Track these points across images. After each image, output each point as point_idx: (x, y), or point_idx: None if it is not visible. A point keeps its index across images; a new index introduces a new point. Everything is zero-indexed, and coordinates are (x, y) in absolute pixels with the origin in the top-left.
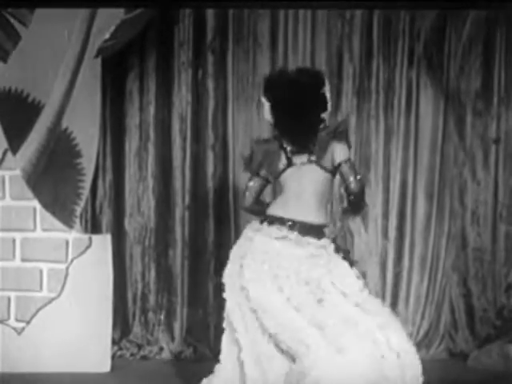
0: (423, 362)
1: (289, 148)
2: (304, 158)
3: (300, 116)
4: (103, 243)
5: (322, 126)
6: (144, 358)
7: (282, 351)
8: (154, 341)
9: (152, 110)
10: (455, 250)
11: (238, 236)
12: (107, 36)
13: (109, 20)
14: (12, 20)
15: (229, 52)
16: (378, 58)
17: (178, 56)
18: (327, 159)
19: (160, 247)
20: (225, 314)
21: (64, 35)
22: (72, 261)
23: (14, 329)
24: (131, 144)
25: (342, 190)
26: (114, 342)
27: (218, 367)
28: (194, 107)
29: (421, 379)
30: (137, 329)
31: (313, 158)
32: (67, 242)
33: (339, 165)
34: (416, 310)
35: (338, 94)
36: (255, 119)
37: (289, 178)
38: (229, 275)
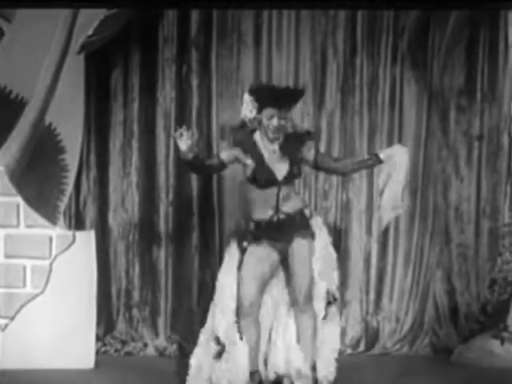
0: (407, 357)
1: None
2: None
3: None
4: (87, 239)
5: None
6: (128, 354)
7: None
8: (138, 337)
9: (136, 106)
10: (439, 245)
11: (222, 232)
12: (90, 32)
13: (92, 16)
14: None
15: (213, 49)
16: (361, 55)
17: (161, 52)
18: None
19: (144, 243)
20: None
21: (48, 31)
22: (56, 257)
23: None
24: (115, 140)
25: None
26: (98, 338)
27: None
28: (178, 104)
29: None
30: (121, 325)
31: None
32: (51, 239)
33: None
34: (400, 305)
35: (322, 89)
36: (239, 115)
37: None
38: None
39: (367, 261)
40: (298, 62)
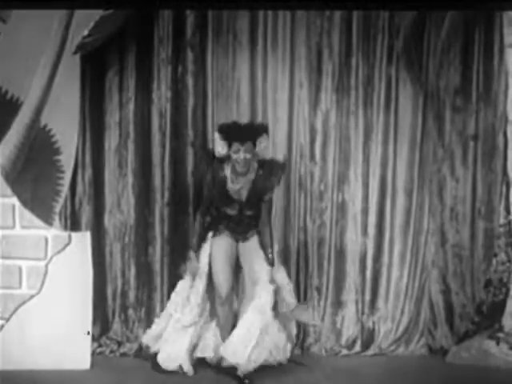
0: (403, 357)
1: None
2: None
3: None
4: (83, 240)
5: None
6: (124, 354)
7: None
8: (133, 338)
9: (131, 106)
10: (434, 246)
11: None
12: (86, 32)
13: (88, 16)
14: None
15: (208, 49)
16: (357, 55)
17: (157, 53)
18: None
19: (140, 244)
20: None
21: (43, 31)
22: (51, 258)
23: None
24: (111, 141)
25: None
26: (93, 339)
27: None
28: (174, 104)
29: None
30: (116, 326)
31: None
32: (46, 240)
33: None
34: (395, 306)
35: (317, 90)
36: (234, 116)
37: None
38: None
39: (363, 262)
40: (293, 62)
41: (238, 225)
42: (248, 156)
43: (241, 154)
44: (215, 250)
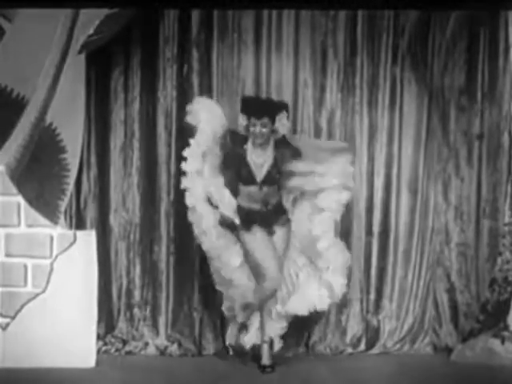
0: (408, 356)
1: None
2: None
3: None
4: (88, 239)
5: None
6: (129, 353)
7: None
8: (138, 336)
9: (137, 105)
10: (439, 245)
11: None
12: (91, 31)
13: (93, 15)
14: None
15: (213, 48)
16: (362, 54)
17: (162, 52)
18: None
19: (145, 243)
20: None
21: (49, 30)
22: (57, 256)
23: None
24: (116, 140)
25: None
26: (98, 338)
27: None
28: (179, 103)
29: None
30: (122, 324)
31: None
32: (52, 238)
33: None
34: (400, 304)
35: (322, 89)
36: (239, 114)
37: None
38: None
39: (368, 260)
40: (298, 61)
41: (263, 217)
42: (264, 130)
43: (257, 128)
44: (249, 244)
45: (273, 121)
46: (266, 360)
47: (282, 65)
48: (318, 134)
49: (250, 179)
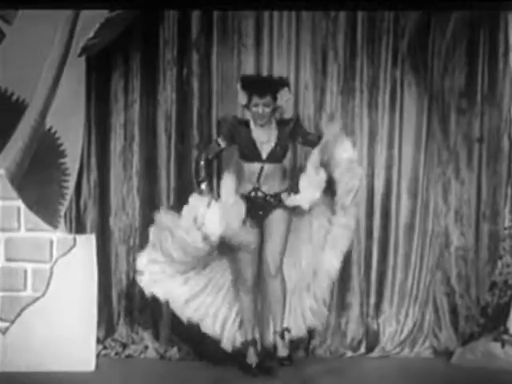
0: (408, 359)
1: None
2: None
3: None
4: (88, 243)
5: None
6: (129, 356)
7: None
8: (138, 340)
9: (137, 108)
10: (439, 248)
11: None
12: (91, 34)
13: (93, 18)
14: None
15: (213, 51)
16: (362, 57)
17: (162, 55)
18: None
19: (145, 247)
20: None
21: (48, 33)
22: (56, 260)
23: None
24: (116, 143)
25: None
26: (98, 341)
27: None
28: (179, 106)
29: None
30: (121, 328)
31: None
32: (51, 242)
33: None
34: (400, 308)
35: (322, 92)
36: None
37: None
38: None
39: (368, 263)
40: (298, 63)
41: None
42: (267, 110)
43: (259, 108)
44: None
45: (275, 98)
46: (281, 351)
47: (283, 67)
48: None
49: (254, 155)
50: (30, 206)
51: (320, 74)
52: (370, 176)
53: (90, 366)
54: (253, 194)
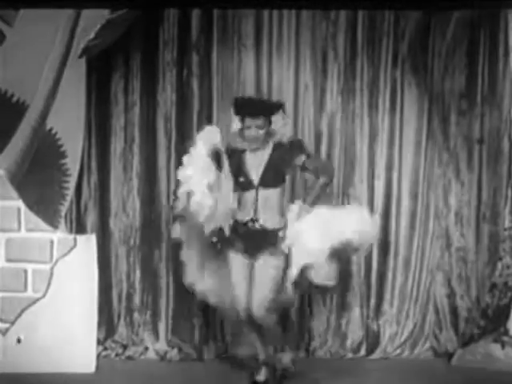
0: (408, 361)
1: None
2: None
3: None
4: (88, 243)
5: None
6: (129, 358)
7: None
8: (139, 341)
9: (137, 110)
10: (439, 249)
11: None
12: (92, 36)
13: (93, 20)
14: None
15: (213, 51)
16: (362, 58)
17: (162, 56)
18: None
19: (145, 247)
20: None
21: (49, 35)
22: (57, 261)
23: None
24: (116, 144)
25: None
26: (98, 342)
27: None
28: (179, 107)
29: None
30: (122, 329)
31: None
32: (52, 243)
33: None
34: (400, 309)
35: (322, 93)
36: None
37: None
38: None
39: (368, 265)
40: (298, 64)
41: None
42: (260, 132)
43: (252, 131)
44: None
45: (269, 121)
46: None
47: (283, 68)
48: (318, 137)
49: (246, 182)
50: (31, 206)
51: (320, 74)
52: (371, 177)
53: (91, 367)
54: (250, 224)
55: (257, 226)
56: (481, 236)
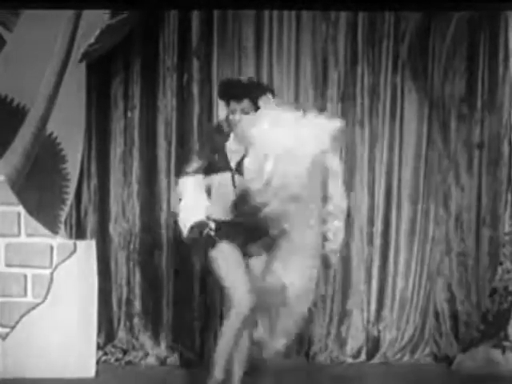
0: (408, 366)
1: None
2: None
3: None
4: (88, 248)
5: None
6: (129, 363)
7: None
8: (139, 346)
9: (137, 114)
10: (439, 255)
11: None
12: (92, 41)
13: (93, 25)
14: None
15: (213, 56)
16: (362, 63)
17: (162, 61)
18: None
19: (145, 252)
20: None
21: (49, 40)
22: (57, 266)
23: None
24: (116, 149)
25: None
26: (98, 347)
27: None
28: (179, 112)
29: None
30: (122, 334)
31: None
32: (52, 248)
33: None
34: (401, 314)
35: (322, 98)
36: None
37: None
38: None
39: (368, 270)
40: (298, 70)
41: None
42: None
43: (237, 115)
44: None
45: (255, 105)
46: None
47: (283, 73)
48: None
49: (223, 165)
50: (31, 211)
51: (320, 80)
52: (371, 183)
53: (90, 372)
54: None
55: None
56: (481, 241)
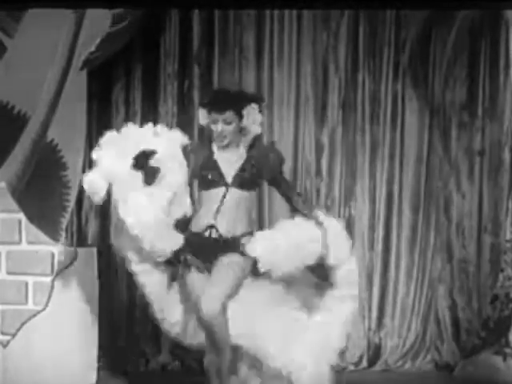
0: (409, 373)
1: None
2: None
3: None
4: (89, 256)
5: None
6: (130, 370)
7: None
8: (140, 353)
9: (138, 121)
10: (441, 261)
11: None
12: (93, 48)
13: (94, 32)
14: None
15: (214, 63)
16: (363, 70)
17: (163, 68)
18: None
19: None
20: None
21: (50, 46)
22: (58, 274)
23: None
24: None
25: None
26: (99, 355)
27: None
28: (180, 119)
29: None
30: (123, 341)
31: None
32: (53, 255)
33: None
34: (402, 322)
35: (323, 106)
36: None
37: None
38: None
39: (369, 277)
40: (299, 77)
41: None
42: (228, 128)
43: (219, 126)
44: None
45: (239, 116)
46: None
47: (283, 81)
48: (319, 150)
49: (217, 179)
50: (31, 218)
51: (321, 87)
52: (372, 189)
53: (91, 379)
54: (206, 233)
55: (213, 234)
56: (482, 248)
